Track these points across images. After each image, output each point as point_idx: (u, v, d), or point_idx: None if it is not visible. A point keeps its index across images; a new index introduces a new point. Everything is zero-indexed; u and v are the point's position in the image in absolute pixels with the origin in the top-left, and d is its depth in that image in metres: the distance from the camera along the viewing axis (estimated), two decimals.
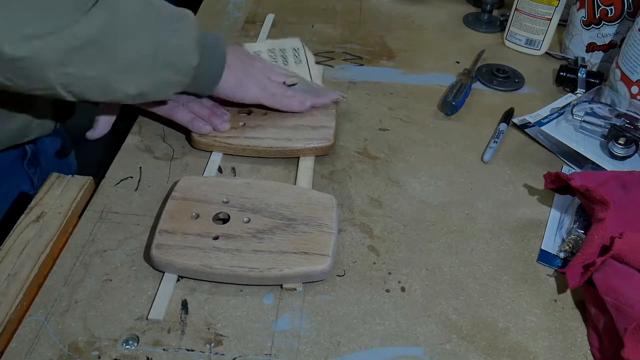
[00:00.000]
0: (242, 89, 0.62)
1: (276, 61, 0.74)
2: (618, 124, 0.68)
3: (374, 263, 0.54)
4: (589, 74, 0.80)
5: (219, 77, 0.60)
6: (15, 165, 0.69)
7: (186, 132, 0.66)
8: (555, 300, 0.52)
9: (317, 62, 0.83)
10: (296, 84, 0.68)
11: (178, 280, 0.51)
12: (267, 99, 0.64)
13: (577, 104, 0.72)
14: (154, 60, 0.51)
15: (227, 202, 0.54)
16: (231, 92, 0.62)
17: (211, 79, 0.60)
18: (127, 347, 0.46)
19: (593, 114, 0.71)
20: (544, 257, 0.56)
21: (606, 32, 0.82)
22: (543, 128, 0.72)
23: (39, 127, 0.66)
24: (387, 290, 0.52)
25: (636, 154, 0.67)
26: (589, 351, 0.48)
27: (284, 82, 0.67)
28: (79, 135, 0.78)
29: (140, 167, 0.63)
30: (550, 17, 0.85)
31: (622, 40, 0.75)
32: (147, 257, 0.52)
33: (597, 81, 0.79)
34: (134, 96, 0.53)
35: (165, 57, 0.52)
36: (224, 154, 0.64)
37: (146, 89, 0.54)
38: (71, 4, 0.45)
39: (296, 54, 0.75)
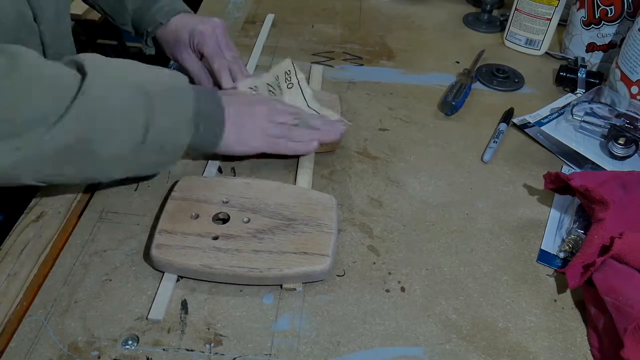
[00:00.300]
0: (243, 144, 0.59)
1: (274, 94, 0.68)
2: (618, 124, 0.68)
3: (374, 263, 0.54)
4: (589, 74, 0.80)
5: (217, 143, 0.57)
6: None
7: None
8: (555, 300, 0.52)
9: (317, 62, 0.83)
10: (300, 120, 0.63)
11: (178, 280, 0.51)
12: (270, 147, 0.60)
13: (577, 104, 0.72)
14: (141, 148, 0.49)
15: (227, 202, 0.54)
16: (231, 149, 0.59)
17: (208, 146, 0.57)
18: (126, 347, 0.46)
19: (593, 114, 0.71)
20: (544, 257, 0.56)
21: (606, 32, 0.82)
22: (543, 128, 0.72)
23: None
24: (387, 290, 0.52)
25: (636, 154, 0.67)
26: (589, 351, 0.48)
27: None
28: None
29: None
30: (550, 17, 0.85)
31: (622, 40, 0.75)
32: (147, 257, 0.52)
33: (597, 81, 0.79)
34: (121, 177, 0.52)
35: (153, 142, 0.50)
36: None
37: (134, 172, 0.53)
38: (39, 117, 0.43)
39: (287, 78, 0.69)
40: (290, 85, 0.68)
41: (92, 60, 0.47)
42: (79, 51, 0.70)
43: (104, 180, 0.52)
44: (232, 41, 0.71)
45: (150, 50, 0.75)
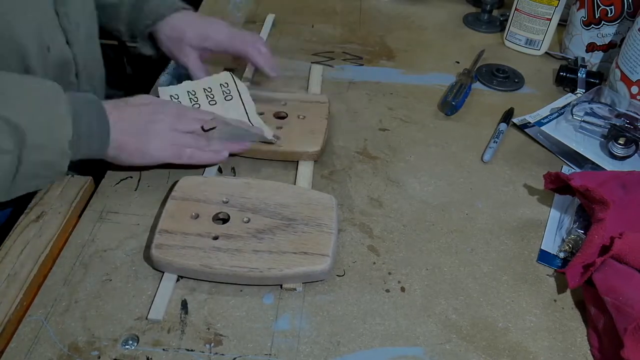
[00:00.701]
0: (142, 156, 0.56)
1: (199, 104, 0.65)
2: (618, 124, 0.68)
3: (374, 263, 0.54)
4: (589, 74, 0.80)
5: (105, 156, 0.55)
6: None
7: None
8: (555, 300, 0.52)
9: (317, 62, 0.83)
10: (214, 127, 0.60)
11: (178, 280, 0.51)
12: (174, 158, 0.57)
13: (577, 104, 0.72)
14: (13, 179, 0.47)
15: (227, 202, 0.54)
16: (130, 161, 0.56)
17: (97, 158, 0.55)
18: (127, 347, 0.46)
19: (593, 114, 0.71)
20: (544, 257, 0.56)
21: (606, 32, 0.82)
22: (543, 128, 0.72)
23: None
24: (387, 290, 0.52)
25: (636, 154, 0.67)
26: (589, 351, 0.48)
27: (202, 127, 0.60)
28: None
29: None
30: (550, 17, 0.85)
31: (622, 40, 0.75)
32: (147, 257, 0.52)
33: (597, 81, 0.79)
34: (3, 200, 0.50)
35: (27, 173, 0.47)
36: None
37: (10, 196, 0.50)
38: None
39: (225, 90, 0.67)
40: (229, 98, 0.67)
41: None
42: None
43: None
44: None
45: (147, 50, 0.74)
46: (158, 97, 0.64)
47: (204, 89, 0.67)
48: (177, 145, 0.57)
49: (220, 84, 0.68)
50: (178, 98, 0.66)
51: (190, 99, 0.66)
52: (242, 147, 0.62)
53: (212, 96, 0.67)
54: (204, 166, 0.62)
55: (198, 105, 0.66)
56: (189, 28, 0.69)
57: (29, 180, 0.49)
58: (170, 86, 0.67)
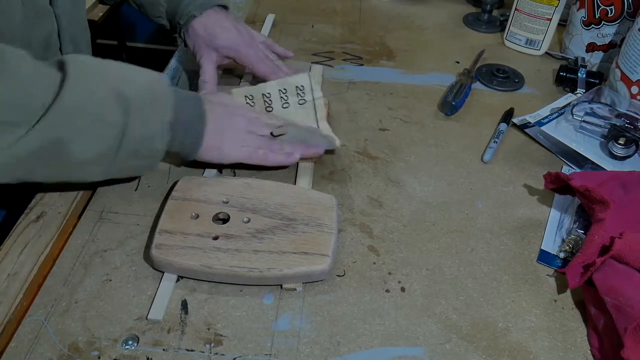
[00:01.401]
0: (221, 154, 0.58)
1: (272, 107, 0.66)
2: (618, 124, 0.68)
3: (374, 263, 0.54)
4: (589, 74, 0.80)
5: (195, 152, 0.57)
6: None
7: None
8: (555, 301, 0.52)
9: (317, 62, 0.83)
10: (284, 133, 0.61)
11: (178, 280, 0.51)
12: (248, 158, 0.59)
13: (577, 104, 0.72)
14: (117, 152, 0.49)
15: (227, 202, 0.54)
16: (209, 157, 0.58)
17: (186, 152, 0.57)
18: (127, 347, 0.46)
19: (593, 114, 0.71)
20: (544, 257, 0.56)
21: (606, 32, 0.82)
22: (543, 128, 0.72)
23: None
24: (387, 290, 0.52)
25: (636, 154, 0.67)
26: (589, 351, 0.48)
27: (271, 133, 0.61)
28: None
29: None
30: (550, 17, 0.85)
31: (622, 40, 0.75)
32: (147, 257, 0.52)
33: (597, 81, 0.79)
34: (101, 179, 0.52)
35: (129, 148, 0.49)
36: None
37: (112, 175, 0.52)
38: (16, 118, 0.43)
39: (300, 93, 0.66)
40: (302, 102, 0.66)
41: (74, 61, 0.47)
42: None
43: (80, 181, 0.52)
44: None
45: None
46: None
47: (280, 90, 0.66)
48: (251, 147, 0.59)
49: (297, 87, 0.66)
50: (252, 99, 0.66)
51: (264, 101, 0.66)
52: (314, 151, 0.63)
53: (285, 98, 0.66)
54: (276, 168, 0.62)
55: (271, 109, 0.66)
56: (218, 35, 0.70)
57: (129, 157, 0.50)
58: (246, 87, 0.67)
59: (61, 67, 0.46)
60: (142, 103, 0.49)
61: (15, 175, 0.47)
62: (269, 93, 0.66)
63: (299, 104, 0.66)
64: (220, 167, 0.62)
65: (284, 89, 0.66)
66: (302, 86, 0.66)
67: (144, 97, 0.50)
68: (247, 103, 0.66)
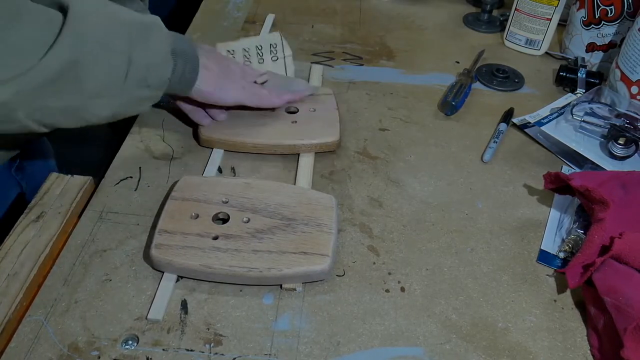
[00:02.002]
0: (221, 91, 0.60)
1: (250, 61, 0.72)
2: (618, 124, 0.68)
3: (374, 263, 0.54)
4: (589, 74, 0.80)
5: (194, 82, 0.58)
6: (4, 174, 0.70)
7: (188, 129, 0.66)
8: (555, 300, 0.52)
9: (317, 62, 0.83)
10: (267, 80, 0.67)
11: (177, 280, 0.51)
12: (248, 99, 0.63)
13: (576, 104, 0.72)
14: (124, 81, 0.50)
15: (227, 202, 0.54)
16: (210, 95, 0.60)
17: (186, 83, 0.57)
18: (126, 347, 0.46)
19: (593, 114, 0.71)
20: (544, 257, 0.56)
21: (606, 32, 0.82)
22: (543, 128, 0.72)
23: (27, 136, 0.66)
24: (387, 290, 0.52)
25: (636, 154, 0.67)
26: (589, 351, 0.48)
27: (255, 82, 0.66)
28: (77, 136, 0.78)
29: (140, 167, 0.63)
30: (550, 17, 0.85)
31: (622, 40, 0.75)
32: (147, 257, 0.52)
33: (597, 81, 0.79)
34: (109, 117, 0.52)
35: (136, 76, 0.51)
36: (226, 150, 0.65)
37: (120, 109, 0.52)
38: (30, 45, 0.44)
39: (273, 50, 0.72)
40: (275, 59, 0.71)
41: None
42: None
43: (95, 121, 0.52)
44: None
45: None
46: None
47: (256, 46, 0.72)
48: (248, 90, 0.63)
49: (270, 44, 0.73)
50: (233, 54, 0.72)
51: (244, 55, 0.72)
52: (299, 95, 0.68)
53: (261, 54, 0.72)
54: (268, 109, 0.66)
55: (249, 62, 0.72)
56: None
57: (138, 86, 0.51)
58: (228, 42, 0.72)
59: (60, 4, 0.47)
60: (143, 33, 0.51)
61: (33, 107, 0.47)
62: (248, 48, 0.72)
63: (272, 60, 0.72)
64: (224, 108, 0.65)
65: (260, 45, 0.72)
66: (275, 44, 0.73)
67: (144, 27, 0.51)
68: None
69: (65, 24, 0.45)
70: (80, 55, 0.46)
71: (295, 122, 0.66)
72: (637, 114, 0.69)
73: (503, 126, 0.71)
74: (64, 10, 0.46)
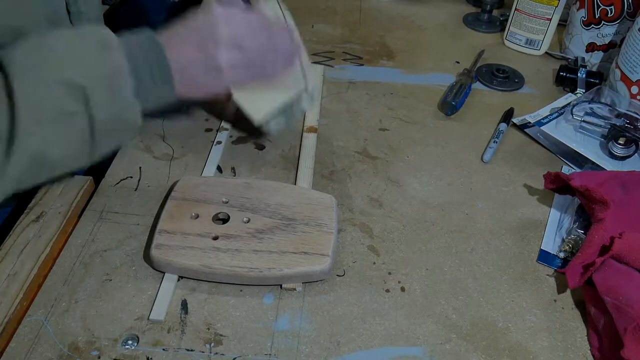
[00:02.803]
0: (214, 79, 0.49)
1: None
2: (618, 124, 0.68)
3: (374, 263, 0.54)
4: (589, 74, 0.80)
5: (172, 90, 0.48)
6: None
7: (188, 128, 0.66)
8: (555, 300, 0.52)
9: (317, 62, 0.83)
10: None
11: (178, 280, 0.51)
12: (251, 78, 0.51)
13: (577, 104, 0.72)
14: (92, 141, 0.45)
15: (227, 202, 0.54)
16: (203, 84, 0.50)
17: (165, 98, 0.49)
18: (127, 347, 0.46)
19: (593, 114, 0.71)
20: (544, 257, 0.56)
21: (606, 32, 0.82)
22: (543, 128, 0.72)
23: None
24: (387, 290, 0.52)
25: (636, 154, 0.67)
26: (589, 351, 0.48)
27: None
28: None
29: (140, 167, 0.63)
30: (550, 17, 0.85)
31: (622, 40, 0.75)
32: (147, 257, 0.52)
33: (597, 81, 0.79)
34: (89, 163, 0.48)
35: (103, 131, 0.45)
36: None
37: (96, 158, 0.47)
38: None
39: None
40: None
41: (11, 61, 0.43)
42: None
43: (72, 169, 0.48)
44: None
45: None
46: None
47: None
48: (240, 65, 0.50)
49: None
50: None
51: None
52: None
53: None
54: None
55: None
56: None
57: (109, 135, 0.46)
58: None
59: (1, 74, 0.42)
60: (97, 86, 0.44)
61: (7, 192, 0.44)
62: None
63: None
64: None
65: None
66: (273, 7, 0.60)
67: (96, 77, 0.44)
68: None
69: (13, 144, 0.41)
70: (40, 143, 0.42)
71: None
72: (637, 114, 0.69)
73: (503, 126, 0.71)
74: (7, 85, 0.41)
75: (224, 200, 0.55)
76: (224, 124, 0.69)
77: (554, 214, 0.61)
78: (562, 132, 0.72)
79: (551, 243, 0.57)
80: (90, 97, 0.44)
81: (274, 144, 0.67)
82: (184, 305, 0.49)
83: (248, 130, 0.57)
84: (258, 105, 0.53)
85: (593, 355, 0.47)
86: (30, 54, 0.44)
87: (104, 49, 0.46)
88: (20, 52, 0.44)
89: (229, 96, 0.51)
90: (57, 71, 0.44)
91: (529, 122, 0.73)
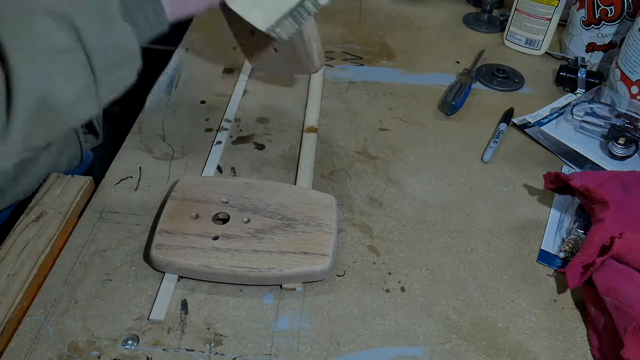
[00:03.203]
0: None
1: None
2: (618, 124, 0.68)
3: (374, 263, 0.54)
4: (589, 74, 0.80)
5: (163, 13, 0.47)
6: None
7: (188, 129, 0.66)
8: (555, 300, 0.52)
9: None
10: None
11: (178, 280, 0.51)
12: None
13: (577, 104, 0.72)
14: (93, 75, 0.43)
15: (227, 202, 0.54)
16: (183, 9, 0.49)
17: (158, 22, 0.47)
18: (127, 347, 0.46)
19: (593, 114, 0.71)
20: (544, 257, 0.56)
21: (606, 32, 0.82)
22: (543, 128, 0.72)
23: (68, 159, 0.66)
24: (387, 290, 0.52)
25: (636, 154, 0.67)
26: (589, 351, 0.48)
27: None
28: None
29: (140, 167, 0.63)
30: (550, 17, 0.85)
31: (622, 40, 0.75)
32: (147, 257, 0.52)
33: (597, 81, 0.79)
34: (100, 108, 0.46)
35: (103, 63, 0.43)
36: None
37: (106, 100, 0.46)
38: None
39: None
40: None
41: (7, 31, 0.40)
42: None
43: (82, 121, 0.46)
44: None
45: None
46: None
47: None
48: None
49: None
50: None
51: None
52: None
53: None
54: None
55: None
56: None
57: (110, 70, 0.44)
58: None
59: None
60: (81, 11, 0.42)
61: (21, 155, 0.42)
62: None
63: None
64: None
65: None
66: None
67: (80, 3, 0.42)
68: None
69: (13, 93, 0.39)
70: (40, 86, 0.40)
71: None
72: (637, 114, 0.69)
73: (503, 126, 0.71)
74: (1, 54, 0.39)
75: (224, 200, 0.55)
76: (224, 124, 0.69)
77: (554, 214, 0.61)
78: (562, 132, 0.72)
79: (551, 243, 0.57)
80: (80, 27, 0.42)
81: (274, 144, 0.67)
82: (184, 305, 0.49)
83: (255, 44, 0.52)
84: (257, 12, 0.49)
85: (593, 355, 0.47)
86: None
87: None
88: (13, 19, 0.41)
89: (223, 4, 0.48)
90: (42, 4, 0.41)
91: (529, 122, 0.73)
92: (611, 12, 0.80)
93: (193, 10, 0.50)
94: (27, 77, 0.40)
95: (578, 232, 0.55)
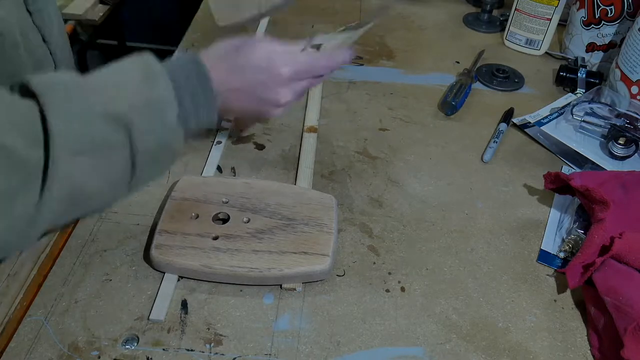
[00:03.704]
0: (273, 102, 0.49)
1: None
2: (618, 124, 0.68)
3: (374, 263, 0.54)
4: (589, 74, 0.80)
5: (214, 116, 0.47)
6: None
7: None
8: (555, 300, 0.52)
9: None
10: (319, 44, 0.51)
11: (178, 280, 0.51)
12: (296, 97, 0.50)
13: (577, 104, 0.72)
14: (132, 172, 0.43)
15: (227, 202, 0.54)
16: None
17: (207, 122, 0.47)
18: (127, 347, 0.46)
19: (593, 114, 0.71)
20: (544, 257, 0.56)
21: (606, 32, 0.82)
22: (543, 128, 0.72)
23: None
24: (387, 290, 0.52)
25: (636, 154, 0.67)
26: (589, 351, 0.48)
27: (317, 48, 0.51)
28: None
29: None
30: (550, 17, 0.85)
31: (622, 40, 0.75)
32: (147, 257, 0.52)
33: (597, 81, 0.79)
34: (129, 195, 0.46)
35: (144, 161, 0.43)
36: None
37: (140, 188, 0.46)
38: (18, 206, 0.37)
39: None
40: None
41: (50, 99, 0.39)
42: (80, 51, 0.68)
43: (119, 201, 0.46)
44: None
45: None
46: None
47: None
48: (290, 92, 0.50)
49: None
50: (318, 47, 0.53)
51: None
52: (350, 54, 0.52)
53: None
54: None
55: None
56: None
57: (150, 164, 0.44)
58: (318, 36, 0.53)
59: (30, 94, 0.39)
60: (140, 116, 0.42)
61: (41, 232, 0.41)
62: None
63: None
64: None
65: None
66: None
67: (138, 107, 0.42)
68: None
69: (49, 173, 0.38)
70: (77, 176, 0.39)
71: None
72: (637, 114, 0.69)
73: (503, 126, 0.71)
74: (43, 120, 0.38)
75: (224, 200, 0.55)
76: (224, 124, 0.69)
77: (554, 214, 0.61)
78: (562, 132, 0.72)
79: (551, 243, 0.57)
80: (133, 128, 0.42)
81: (274, 144, 0.67)
82: (184, 305, 0.49)
83: None
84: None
85: (593, 355, 0.47)
86: (72, 93, 0.41)
87: (148, 79, 0.44)
88: (60, 94, 0.41)
89: None
90: (96, 104, 0.41)
91: (529, 122, 0.73)
92: (611, 12, 0.80)
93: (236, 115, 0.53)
94: (66, 168, 0.39)
95: (578, 232, 0.55)
